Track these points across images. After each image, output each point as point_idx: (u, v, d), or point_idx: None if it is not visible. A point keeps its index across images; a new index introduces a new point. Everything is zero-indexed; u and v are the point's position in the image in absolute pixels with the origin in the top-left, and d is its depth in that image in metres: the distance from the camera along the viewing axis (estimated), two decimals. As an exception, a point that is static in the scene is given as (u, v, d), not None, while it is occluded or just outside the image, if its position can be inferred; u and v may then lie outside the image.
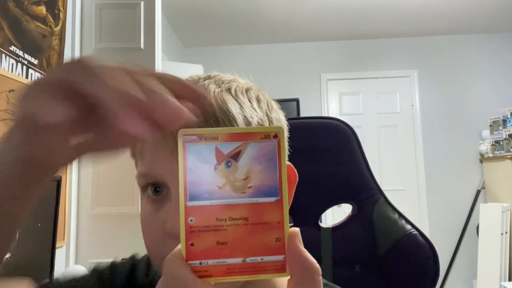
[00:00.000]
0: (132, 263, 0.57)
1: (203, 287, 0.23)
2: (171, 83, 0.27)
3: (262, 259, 0.24)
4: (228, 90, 0.41)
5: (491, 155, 3.46)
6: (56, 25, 1.66)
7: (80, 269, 1.54)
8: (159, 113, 0.25)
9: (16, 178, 0.31)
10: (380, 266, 0.69)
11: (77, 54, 1.81)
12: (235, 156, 0.25)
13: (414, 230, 0.67)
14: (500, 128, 3.37)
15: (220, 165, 0.25)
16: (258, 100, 0.43)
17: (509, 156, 3.23)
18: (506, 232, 3.09)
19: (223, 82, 0.42)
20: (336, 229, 0.75)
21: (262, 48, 4.01)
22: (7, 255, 1.02)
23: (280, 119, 0.44)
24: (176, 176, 0.36)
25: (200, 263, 0.24)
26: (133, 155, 0.44)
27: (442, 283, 3.58)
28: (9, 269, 1.03)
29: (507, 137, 3.27)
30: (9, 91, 1.30)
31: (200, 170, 0.25)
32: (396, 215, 0.70)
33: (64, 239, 1.66)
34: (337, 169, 0.75)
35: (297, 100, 3.76)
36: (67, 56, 1.74)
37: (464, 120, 3.80)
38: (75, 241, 1.73)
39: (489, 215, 3.27)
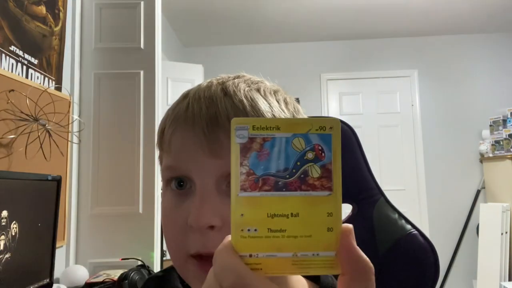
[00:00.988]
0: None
1: (255, 278, 0.23)
2: None
3: (313, 254, 0.24)
4: (257, 90, 0.41)
5: (491, 155, 3.46)
6: (56, 25, 1.66)
7: (80, 269, 1.54)
8: None
9: None
10: (380, 266, 0.69)
11: (77, 54, 1.81)
12: (289, 147, 0.24)
13: (414, 230, 0.67)
14: (500, 128, 3.37)
15: (273, 157, 0.24)
16: (286, 102, 0.44)
17: (509, 156, 3.23)
18: (506, 232, 3.09)
19: (252, 82, 0.43)
20: (336, 229, 0.74)
21: (262, 48, 4.01)
22: (7, 255, 1.02)
23: None
24: (201, 170, 0.38)
25: (250, 256, 0.24)
26: (160, 147, 0.44)
27: (442, 283, 3.58)
28: (9, 269, 1.03)
29: (507, 137, 3.27)
30: (9, 91, 1.30)
31: (252, 161, 0.24)
32: (396, 215, 0.70)
33: (64, 239, 1.66)
34: (337, 169, 0.75)
35: (297, 100, 3.76)
36: (67, 56, 1.74)
37: (464, 120, 3.80)
38: (75, 241, 1.73)
39: (489, 215, 3.27)
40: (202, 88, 0.42)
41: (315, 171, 0.24)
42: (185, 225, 0.38)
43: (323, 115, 3.80)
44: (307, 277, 0.47)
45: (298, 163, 0.24)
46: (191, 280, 0.40)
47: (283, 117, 0.40)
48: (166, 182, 0.42)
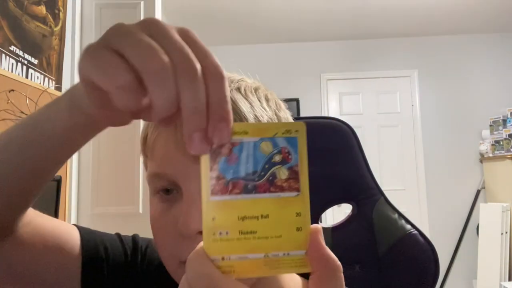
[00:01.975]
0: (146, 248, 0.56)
1: (228, 282, 0.23)
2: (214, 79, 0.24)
3: (284, 254, 0.24)
4: (238, 89, 0.41)
5: (491, 155, 3.46)
6: (56, 25, 1.66)
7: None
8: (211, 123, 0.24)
9: (67, 124, 0.33)
10: (380, 266, 0.69)
11: (77, 54, 1.81)
12: (257, 151, 0.25)
13: (414, 230, 0.67)
14: (500, 128, 3.37)
15: (242, 161, 0.25)
16: (267, 99, 0.43)
17: (509, 156, 3.23)
18: (506, 232, 3.09)
19: (232, 82, 0.42)
20: (336, 229, 0.75)
21: (262, 48, 4.01)
22: (7, 255, 1.02)
23: (288, 118, 0.45)
24: (187, 176, 0.37)
25: (223, 259, 0.24)
26: (144, 154, 0.44)
27: (442, 283, 3.58)
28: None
29: (507, 137, 3.27)
30: (9, 91, 1.30)
31: (222, 165, 0.24)
32: (396, 215, 0.70)
33: (64, 239, 1.66)
34: (337, 169, 0.75)
35: (297, 100, 3.76)
36: (67, 56, 1.74)
37: (464, 120, 3.80)
38: (75, 241, 1.73)
39: (489, 215, 3.27)
40: None
41: (282, 173, 0.25)
42: (175, 231, 0.38)
43: (323, 115, 3.80)
44: (301, 275, 0.47)
45: (266, 166, 0.25)
46: None
47: (265, 115, 0.40)
48: (154, 190, 0.41)
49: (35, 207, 0.48)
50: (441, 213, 3.70)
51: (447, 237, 3.66)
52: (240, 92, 0.41)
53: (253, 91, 0.42)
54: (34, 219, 0.44)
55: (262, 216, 0.24)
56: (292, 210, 0.25)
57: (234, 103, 0.39)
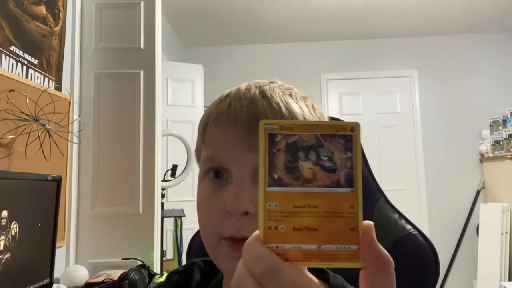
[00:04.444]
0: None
1: (286, 265, 0.24)
2: None
3: (336, 247, 0.25)
4: (290, 95, 0.46)
5: (491, 155, 3.46)
6: (56, 25, 1.66)
7: (80, 269, 1.54)
8: None
9: None
10: (380, 266, 0.69)
11: (77, 54, 1.81)
12: (315, 147, 0.26)
13: (414, 230, 0.67)
14: (500, 128, 3.37)
15: (300, 155, 0.26)
16: (314, 108, 0.48)
17: (509, 156, 3.23)
18: (506, 232, 3.09)
19: (285, 88, 0.47)
20: (336, 229, 0.74)
21: (262, 48, 4.01)
22: (7, 255, 1.02)
23: None
24: (239, 162, 0.43)
25: (277, 247, 0.25)
26: (202, 140, 0.48)
27: (442, 283, 3.58)
28: (9, 269, 1.03)
29: (507, 137, 3.27)
30: (9, 91, 1.30)
31: (280, 158, 0.26)
32: (396, 215, 0.70)
33: (64, 239, 1.66)
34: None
35: (297, 100, 3.76)
36: (67, 56, 1.74)
37: (464, 120, 3.80)
38: (75, 241, 1.73)
39: (489, 215, 3.27)
40: (241, 90, 0.47)
41: (338, 169, 0.26)
42: (221, 211, 0.42)
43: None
44: (317, 278, 0.48)
45: (323, 161, 0.26)
46: (223, 260, 0.43)
47: (312, 120, 0.46)
48: (204, 172, 0.46)
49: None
50: (441, 213, 3.70)
51: (447, 237, 3.66)
52: (291, 97, 0.46)
53: (302, 98, 0.48)
54: None
55: (317, 209, 0.25)
56: (346, 205, 0.26)
57: (287, 103, 0.44)
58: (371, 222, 0.26)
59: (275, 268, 0.24)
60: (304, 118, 0.44)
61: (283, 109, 0.43)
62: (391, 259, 0.25)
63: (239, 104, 0.44)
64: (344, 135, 0.26)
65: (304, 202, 0.25)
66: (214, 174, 0.45)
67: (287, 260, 0.25)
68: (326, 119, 0.50)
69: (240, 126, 0.43)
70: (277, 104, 0.44)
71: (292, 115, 0.43)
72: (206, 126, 0.47)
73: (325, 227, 0.25)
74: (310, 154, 0.26)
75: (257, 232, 0.26)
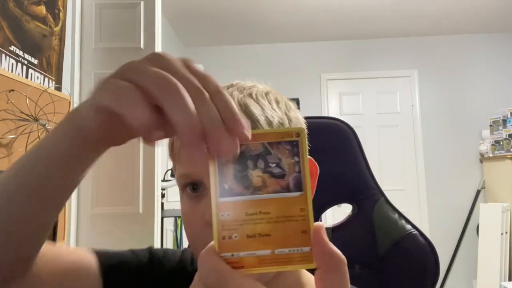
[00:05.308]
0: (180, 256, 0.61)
1: (236, 275, 0.25)
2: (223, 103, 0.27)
3: (289, 250, 0.26)
4: (250, 95, 0.46)
5: (491, 155, 3.46)
6: (56, 25, 1.66)
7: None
8: (216, 142, 0.26)
9: (71, 150, 0.34)
10: (380, 266, 0.68)
11: (77, 54, 1.81)
12: (263, 155, 0.27)
13: (414, 230, 0.67)
14: (500, 128, 3.37)
15: (249, 164, 0.27)
16: (277, 102, 0.47)
17: (509, 156, 3.23)
18: (506, 232, 3.09)
19: (244, 89, 0.47)
20: (336, 229, 0.74)
21: (262, 48, 4.01)
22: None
23: (298, 117, 0.49)
24: None
25: (232, 255, 0.26)
26: (172, 157, 0.49)
27: (442, 283, 3.58)
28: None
29: (507, 137, 3.27)
30: (9, 91, 1.30)
31: (229, 169, 0.27)
32: (396, 215, 0.70)
33: (64, 239, 1.66)
34: (337, 169, 0.75)
35: (297, 100, 3.76)
36: (67, 56, 1.74)
37: (464, 120, 3.80)
38: (75, 241, 1.73)
39: (489, 215, 3.27)
40: None
41: (286, 175, 0.27)
42: (202, 222, 0.43)
43: (323, 115, 3.79)
44: (310, 271, 0.50)
45: (271, 168, 0.27)
46: None
47: (275, 116, 0.45)
48: (182, 188, 0.47)
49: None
50: (441, 213, 3.70)
51: (447, 237, 3.66)
52: (251, 97, 0.45)
53: (263, 95, 0.46)
54: (47, 250, 0.45)
55: (268, 215, 0.26)
56: (296, 209, 0.26)
57: (246, 107, 0.43)
58: (321, 223, 0.26)
59: (225, 278, 0.24)
60: (266, 117, 0.44)
61: (256, 116, 0.43)
62: (343, 257, 0.25)
63: None
64: (290, 141, 0.27)
65: (256, 210, 0.26)
66: (191, 188, 0.45)
67: (242, 268, 0.25)
68: (294, 109, 0.49)
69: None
70: (251, 112, 0.43)
71: (252, 119, 0.43)
72: (172, 144, 0.48)
73: (277, 232, 0.26)
74: (259, 162, 0.27)
75: (212, 243, 0.26)
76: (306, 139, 0.27)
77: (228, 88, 0.47)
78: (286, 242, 0.26)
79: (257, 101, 0.45)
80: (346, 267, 0.26)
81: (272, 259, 0.26)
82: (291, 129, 0.28)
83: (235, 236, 0.26)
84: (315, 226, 0.26)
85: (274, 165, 0.27)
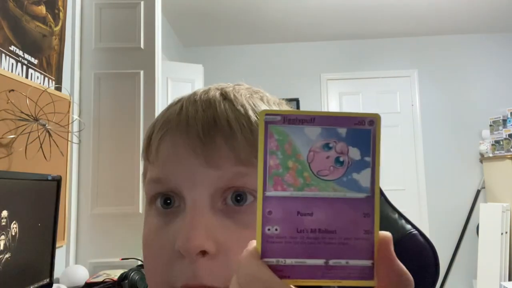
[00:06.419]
0: None
1: (281, 286, 0.21)
2: None
3: (347, 262, 0.22)
4: (260, 98, 0.39)
5: (491, 155, 3.46)
6: (56, 25, 1.66)
7: (80, 269, 1.54)
8: None
9: None
10: (380, 266, 0.69)
11: (77, 54, 1.81)
12: (325, 143, 0.22)
13: (414, 230, 0.67)
14: (500, 128, 3.37)
15: (306, 152, 0.22)
16: None
17: (509, 156, 3.23)
18: (506, 232, 3.09)
19: (253, 91, 0.40)
20: (336, 229, 0.74)
21: (262, 48, 4.01)
22: (7, 255, 1.02)
23: None
24: (194, 183, 0.33)
25: (278, 262, 0.21)
26: (146, 156, 0.38)
27: (442, 283, 3.58)
28: (9, 269, 1.03)
29: (507, 137, 3.27)
30: (9, 91, 1.30)
31: (282, 156, 0.22)
32: (396, 215, 0.70)
33: (64, 239, 1.66)
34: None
35: (297, 100, 3.76)
36: (67, 56, 1.74)
37: (464, 120, 3.80)
38: (75, 241, 1.73)
39: (489, 215, 3.27)
40: (198, 92, 0.38)
41: (351, 170, 0.22)
42: (171, 251, 0.32)
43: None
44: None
45: (332, 161, 0.22)
46: None
47: None
48: (151, 199, 0.36)
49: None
50: (441, 213, 3.70)
51: (447, 237, 3.66)
52: (262, 101, 0.38)
53: (276, 104, 0.40)
54: None
55: (324, 217, 0.22)
56: (359, 213, 0.22)
57: (255, 106, 0.36)
58: (389, 234, 0.22)
59: None
60: None
61: (250, 112, 0.35)
62: (411, 278, 0.21)
63: (193, 108, 0.35)
64: (361, 129, 0.22)
65: (310, 209, 0.22)
66: (163, 201, 0.35)
67: (288, 278, 0.21)
68: None
69: (193, 135, 0.34)
70: (243, 106, 0.35)
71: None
72: (150, 138, 0.37)
73: (335, 238, 0.22)
74: (321, 152, 0.22)
75: (253, 244, 0.22)
76: (380, 129, 0.22)
77: (235, 86, 0.40)
78: (344, 252, 0.21)
79: (268, 105, 0.39)
80: None
81: (325, 271, 0.21)
82: (365, 115, 0.22)
83: (282, 239, 0.21)
84: (382, 237, 0.21)
85: (338, 156, 0.22)
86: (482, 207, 3.39)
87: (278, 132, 0.22)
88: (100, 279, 1.47)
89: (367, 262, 0.22)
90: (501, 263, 3.03)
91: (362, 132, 0.22)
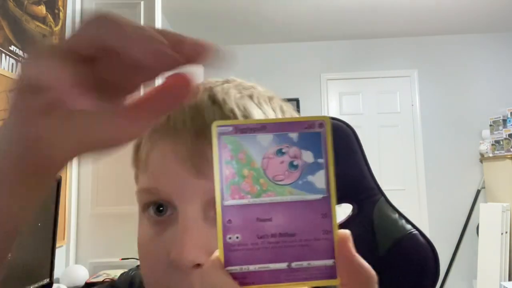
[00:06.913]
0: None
1: None
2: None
3: (309, 263, 0.22)
4: (250, 96, 0.37)
5: (491, 155, 3.46)
6: (56, 25, 1.66)
7: (80, 269, 1.54)
8: (187, 47, 0.22)
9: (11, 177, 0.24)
10: (380, 266, 0.69)
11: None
12: (278, 148, 0.22)
13: (414, 230, 0.67)
14: (500, 128, 3.37)
15: (260, 159, 0.22)
16: (283, 111, 0.40)
17: (509, 156, 3.23)
18: (506, 232, 3.09)
19: (243, 88, 0.38)
20: (336, 229, 0.74)
21: (262, 48, 4.00)
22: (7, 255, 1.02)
23: None
24: (185, 193, 0.33)
25: (241, 269, 0.22)
26: (136, 164, 0.39)
27: (442, 283, 3.58)
28: (9, 269, 1.03)
29: (507, 137, 3.27)
30: (9, 91, 1.30)
31: (237, 165, 0.22)
32: (396, 215, 0.70)
33: (64, 239, 1.66)
34: (337, 169, 0.75)
35: (297, 100, 3.76)
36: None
37: (464, 120, 3.80)
38: (75, 241, 1.73)
39: (489, 215, 3.27)
40: None
41: (305, 173, 0.22)
42: (166, 260, 0.33)
43: (323, 115, 3.79)
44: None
45: (287, 165, 0.22)
46: None
47: None
48: (143, 207, 0.37)
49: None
50: (441, 213, 3.70)
51: (447, 237, 3.66)
52: (252, 100, 0.37)
53: (267, 100, 0.39)
54: None
55: (283, 220, 0.22)
56: (317, 214, 0.22)
57: (245, 110, 0.35)
58: (347, 231, 0.22)
59: None
60: None
61: (239, 118, 0.34)
62: (373, 272, 0.21)
63: (180, 116, 0.35)
64: (312, 133, 0.22)
65: (269, 215, 0.22)
66: (155, 209, 0.36)
67: (252, 284, 0.21)
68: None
69: (182, 144, 0.34)
70: (231, 111, 0.35)
71: None
72: (138, 147, 0.38)
73: (295, 241, 0.22)
74: (274, 158, 0.22)
75: (216, 253, 0.22)
76: (331, 131, 0.22)
77: (223, 84, 0.38)
78: (305, 254, 0.22)
79: (259, 105, 0.37)
80: (377, 285, 0.22)
81: (288, 273, 0.22)
82: (314, 118, 0.23)
83: (244, 247, 0.22)
84: (340, 235, 0.22)
85: (292, 161, 0.22)
86: (482, 207, 3.39)
87: (231, 142, 0.22)
88: (100, 279, 1.47)
89: (329, 261, 0.22)
90: (501, 263, 3.03)
91: (313, 135, 0.22)
